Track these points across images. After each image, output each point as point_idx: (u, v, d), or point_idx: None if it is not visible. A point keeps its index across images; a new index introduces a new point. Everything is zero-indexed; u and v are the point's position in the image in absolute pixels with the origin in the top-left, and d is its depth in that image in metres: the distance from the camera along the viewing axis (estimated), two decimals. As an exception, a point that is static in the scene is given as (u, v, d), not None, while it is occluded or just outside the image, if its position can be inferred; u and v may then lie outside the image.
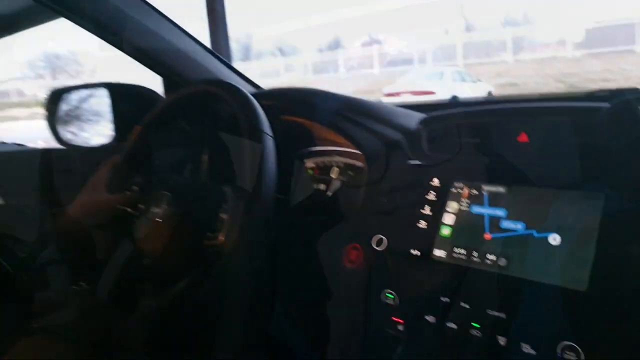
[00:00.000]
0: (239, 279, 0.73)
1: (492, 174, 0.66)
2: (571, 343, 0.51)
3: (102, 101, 1.20)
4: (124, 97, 1.20)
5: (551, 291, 0.54)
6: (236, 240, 0.66)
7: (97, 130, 1.21)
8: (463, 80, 13.60)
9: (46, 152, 1.46)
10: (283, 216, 0.90)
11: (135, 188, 0.85)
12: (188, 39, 1.16)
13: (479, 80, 14.12)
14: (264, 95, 0.96)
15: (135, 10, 1.06)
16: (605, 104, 0.63)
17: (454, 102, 1.33)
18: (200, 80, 1.06)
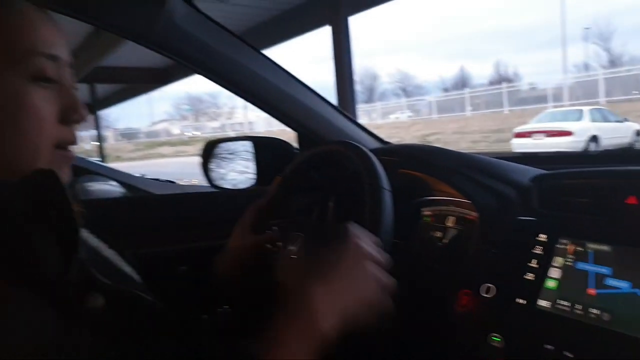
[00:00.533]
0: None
1: (597, 233, 0.70)
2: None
3: (247, 151, 1.43)
4: (264, 148, 1.42)
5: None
6: None
7: (242, 175, 1.44)
8: (606, 119, 12.42)
9: (197, 194, 1.74)
10: (402, 260, 1.00)
11: (275, 228, 1.02)
12: (318, 99, 1.35)
13: (626, 119, 12.76)
14: (385, 152, 1.10)
15: (272, 74, 1.28)
16: None
17: (583, 155, 1.33)
18: (331, 141, 1.23)
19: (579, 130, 11.49)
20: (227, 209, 1.23)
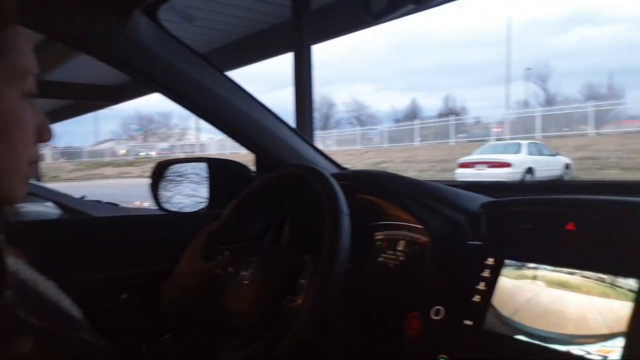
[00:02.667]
0: (314, 339, 0.83)
1: (540, 256, 0.75)
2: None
3: (200, 173, 1.41)
4: (220, 170, 1.40)
5: None
6: (313, 303, 0.78)
7: (192, 198, 1.41)
8: (540, 152, 13.27)
9: (142, 217, 1.66)
10: (353, 283, 1.01)
11: (227, 253, 1.01)
12: (278, 122, 1.35)
13: (558, 153, 13.69)
14: (343, 176, 1.12)
15: (233, 95, 1.27)
16: None
17: (521, 184, 1.41)
18: (291, 164, 1.24)
19: (517, 162, 12.23)
20: (176, 233, 1.18)
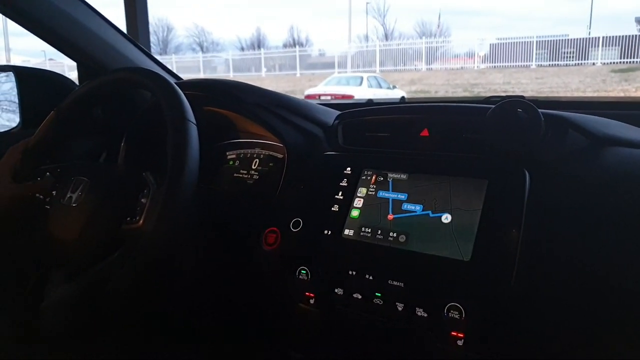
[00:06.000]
0: (159, 262, 0.74)
1: (396, 164, 0.75)
2: (456, 303, 0.61)
3: (7, 86, 1.15)
4: (32, 82, 1.15)
5: (441, 261, 0.64)
6: (156, 224, 0.68)
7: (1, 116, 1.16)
8: (379, 86, 14.22)
9: None
10: (204, 204, 0.93)
11: (47, 175, 0.83)
12: (106, 25, 1.14)
13: (395, 86, 14.84)
14: (187, 85, 0.99)
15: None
16: (492, 106, 0.74)
17: (369, 104, 1.43)
18: (122, 68, 1.05)
19: (359, 94, 12.90)
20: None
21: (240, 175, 1.01)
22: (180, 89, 0.81)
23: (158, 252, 0.68)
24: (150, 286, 0.78)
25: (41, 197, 0.81)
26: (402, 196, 0.71)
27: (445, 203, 0.68)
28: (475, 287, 0.61)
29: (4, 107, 1.16)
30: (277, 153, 0.97)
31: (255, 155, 1.02)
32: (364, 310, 0.68)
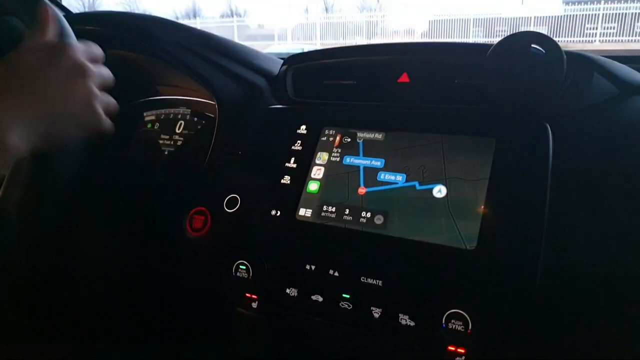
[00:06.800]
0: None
1: (368, 119, 0.56)
2: (458, 310, 0.43)
3: None
4: None
5: (435, 251, 0.46)
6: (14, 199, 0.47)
7: None
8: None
9: None
10: (115, 176, 0.71)
11: None
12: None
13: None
14: (80, 19, 0.74)
15: None
16: (494, 44, 0.56)
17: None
18: None
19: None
20: None
21: (161, 141, 0.79)
22: (73, 24, 0.57)
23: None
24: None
25: None
26: (377, 162, 0.53)
27: (437, 171, 0.50)
28: (485, 286, 0.44)
29: None
30: (208, 112, 0.76)
31: (180, 117, 0.80)
32: (326, 317, 0.50)
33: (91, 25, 0.71)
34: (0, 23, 0.64)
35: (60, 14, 0.52)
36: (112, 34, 0.73)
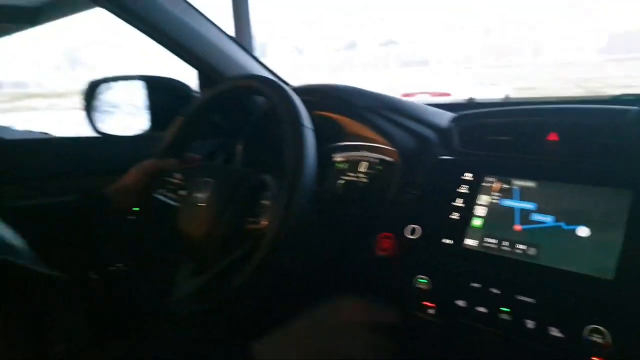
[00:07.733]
0: (283, 262, 0.76)
1: (522, 170, 0.70)
2: (597, 326, 0.55)
3: (137, 93, 1.25)
4: (158, 89, 1.25)
5: (579, 279, 0.58)
6: (280, 225, 0.70)
7: (131, 120, 1.26)
8: (480, 82, 13.56)
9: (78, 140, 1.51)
10: (315, 206, 0.94)
11: (177, 175, 0.90)
12: (221, 34, 1.20)
13: (497, 83, 14.07)
14: (300, 91, 1.01)
15: (171, 3, 1.11)
16: (634, 107, 0.66)
17: (472, 103, 1.36)
18: (240, 76, 1.10)
19: (457, 91, 12.39)
20: (114, 156, 1.07)
21: (349, 178, 1.01)
22: (295, 94, 0.83)
23: (281, 252, 0.70)
24: (272, 283, 0.80)
25: (171, 195, 0.88)
26: (530, 205, 0.67)
27: (580, 214, 0.62)
28: (620, 308, 0.55)
29: (135, 111, 1.27)
30: (387, 156, 0.96)
31: (362, 159, 1.01)
32: (488, 324, 0.65)
33: (305, 95, 0.98)
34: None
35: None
36: (318, 101, 0.98)
